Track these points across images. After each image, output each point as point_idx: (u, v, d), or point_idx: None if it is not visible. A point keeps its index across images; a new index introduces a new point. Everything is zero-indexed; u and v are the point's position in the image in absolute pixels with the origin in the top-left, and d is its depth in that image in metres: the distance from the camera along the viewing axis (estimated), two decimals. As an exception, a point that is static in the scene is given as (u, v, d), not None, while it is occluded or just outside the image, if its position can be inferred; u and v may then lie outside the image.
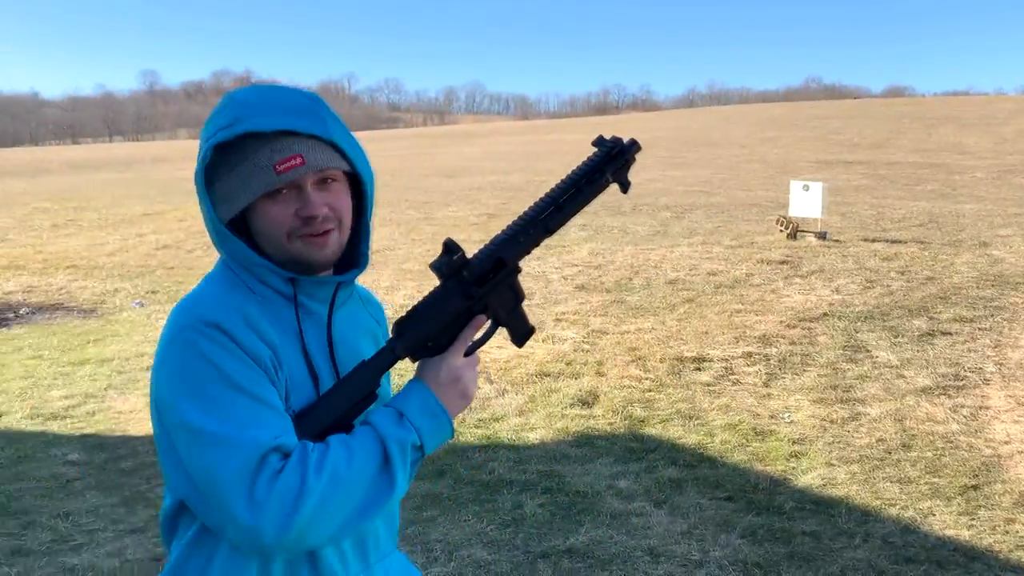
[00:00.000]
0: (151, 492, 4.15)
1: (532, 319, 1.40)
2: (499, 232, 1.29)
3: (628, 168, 1.32)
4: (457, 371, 1.25)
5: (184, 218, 17.52)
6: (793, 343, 7.19)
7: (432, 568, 3.58)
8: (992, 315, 8.43)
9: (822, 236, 14.25)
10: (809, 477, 4.46)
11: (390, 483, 1.14)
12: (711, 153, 42.95)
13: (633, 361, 6.62)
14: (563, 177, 1.30)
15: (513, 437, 5.07)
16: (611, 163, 1.29)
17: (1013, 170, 39.29)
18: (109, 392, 6.01)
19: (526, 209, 1.29)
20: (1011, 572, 3.49)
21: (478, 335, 1.30)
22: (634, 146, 1.32)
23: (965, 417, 5.41)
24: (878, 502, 4.17)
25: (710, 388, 6.01)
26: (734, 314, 8.29)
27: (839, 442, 4.96)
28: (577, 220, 18.37)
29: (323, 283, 1.29)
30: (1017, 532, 3.85)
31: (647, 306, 8.68)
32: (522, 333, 1.37)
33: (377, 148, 47.29)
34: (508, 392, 5.87)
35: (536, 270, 10.87)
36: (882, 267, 11.26)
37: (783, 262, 11.61)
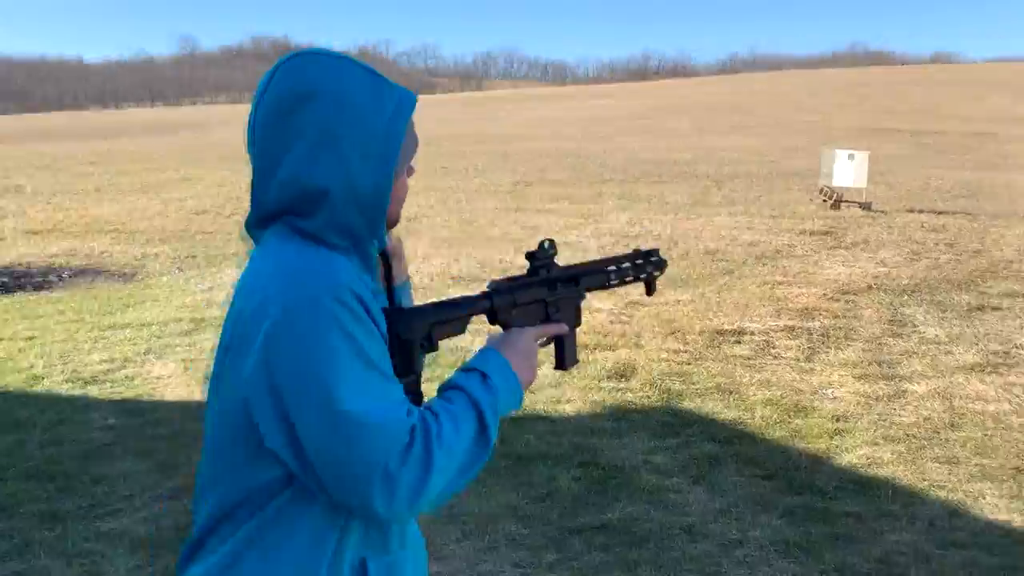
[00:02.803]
0: (185, 459, 4.15)
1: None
2: (582, 263, 1.52)
3: (657, 275, 1.65)
4: (533, 346, 1.35)
5: (223, 183, 17.63)
6: (836, 316, 7.02)
7: (465, 542, 3.54)
8: (1044, 290, 8.16)
9: (866, 207, 13.91)
10: (852, 456, 4.34)
11: (486, 445, 1.19)
12: (751, 120, 42.13)
13: (671, 334, 6.51)
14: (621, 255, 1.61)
15: (548, 409, 5.01)
16: (652, 264, 1.63)
17: (1068, 139, 38.03)
18: (147, 357, 6.05)
19: (601, 258, 1.57)
20: (1065, 560, 3.36)
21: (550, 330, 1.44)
22: (664, 262, 1.66)
23: (1016, 396, 5.23)
24: (924, 483, 4.04)
25: (749, 362, 5.88)
26: (775, 286, 8.13)
27: (883, 420, 4.82)
28: (614, 189, 18.23)
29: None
30: (1071, 518, 3.71)
31: (685, 278, 8.53)
32: (571, 356, 1.52)
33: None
34: (543, 363, 5.80)
35: (572, 238, 10.76)
36: (928, 239, 10.97)
37: (826, 233, 11.36)
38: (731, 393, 5.26)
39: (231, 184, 17.29)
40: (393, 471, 1.08)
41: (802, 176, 18.48)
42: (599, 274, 1.54)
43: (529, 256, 1.42)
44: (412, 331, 1.24)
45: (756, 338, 6.43)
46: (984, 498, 3.89)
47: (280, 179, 1.18)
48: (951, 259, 9.54)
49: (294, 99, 1.17)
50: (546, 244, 1.44)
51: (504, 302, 1.37)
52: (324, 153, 1.16)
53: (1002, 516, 3.73)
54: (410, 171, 1.31)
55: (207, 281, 8.60)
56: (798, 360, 5.94)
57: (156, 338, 6.51)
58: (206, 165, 22.02)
